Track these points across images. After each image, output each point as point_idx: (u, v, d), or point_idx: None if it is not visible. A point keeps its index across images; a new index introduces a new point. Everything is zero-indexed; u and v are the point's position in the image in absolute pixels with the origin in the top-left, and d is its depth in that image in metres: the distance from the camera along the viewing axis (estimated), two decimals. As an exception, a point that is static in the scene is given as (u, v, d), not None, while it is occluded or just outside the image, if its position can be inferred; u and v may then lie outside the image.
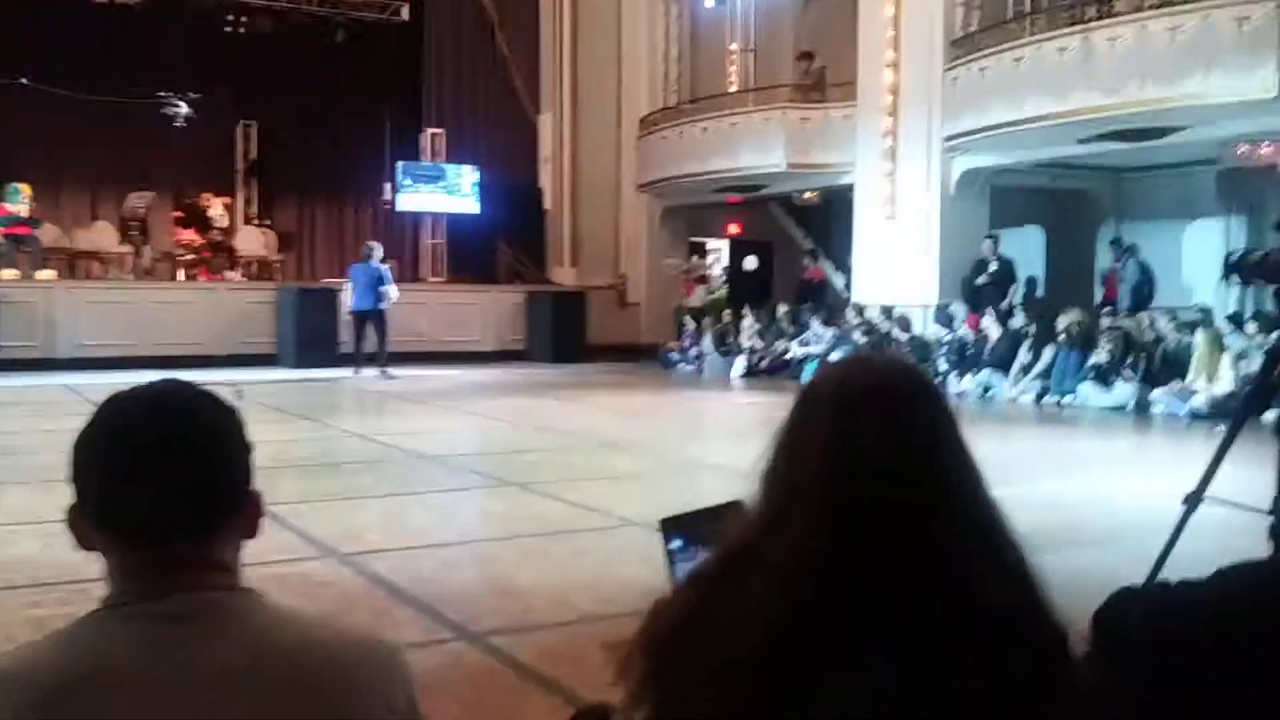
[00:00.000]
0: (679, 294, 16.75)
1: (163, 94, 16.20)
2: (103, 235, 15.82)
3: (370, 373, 12.65)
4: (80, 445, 1.18)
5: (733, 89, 16.93)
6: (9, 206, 14.08)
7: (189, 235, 16.67)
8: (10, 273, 13.75)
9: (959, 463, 1.11)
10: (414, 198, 17.54)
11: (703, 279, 17.23)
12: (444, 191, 17.63)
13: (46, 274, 14.06)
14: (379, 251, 13.20)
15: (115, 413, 1.20)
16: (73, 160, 16.75)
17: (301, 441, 7.77)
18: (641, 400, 10.94)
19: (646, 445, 7.64)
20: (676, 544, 1.45)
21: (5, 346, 12.90)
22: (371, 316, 12.92)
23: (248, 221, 17.91)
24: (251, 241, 17.14)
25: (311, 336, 14.17)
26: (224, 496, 1.18)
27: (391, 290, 12.99)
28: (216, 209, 17.10)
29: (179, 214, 16.89)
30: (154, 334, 13.83)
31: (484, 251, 18.34)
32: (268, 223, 17.90)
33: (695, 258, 17.29)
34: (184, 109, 16.31)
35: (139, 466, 1.14)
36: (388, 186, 17.78)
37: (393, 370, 12.72)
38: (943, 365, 11.63)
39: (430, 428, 8.76)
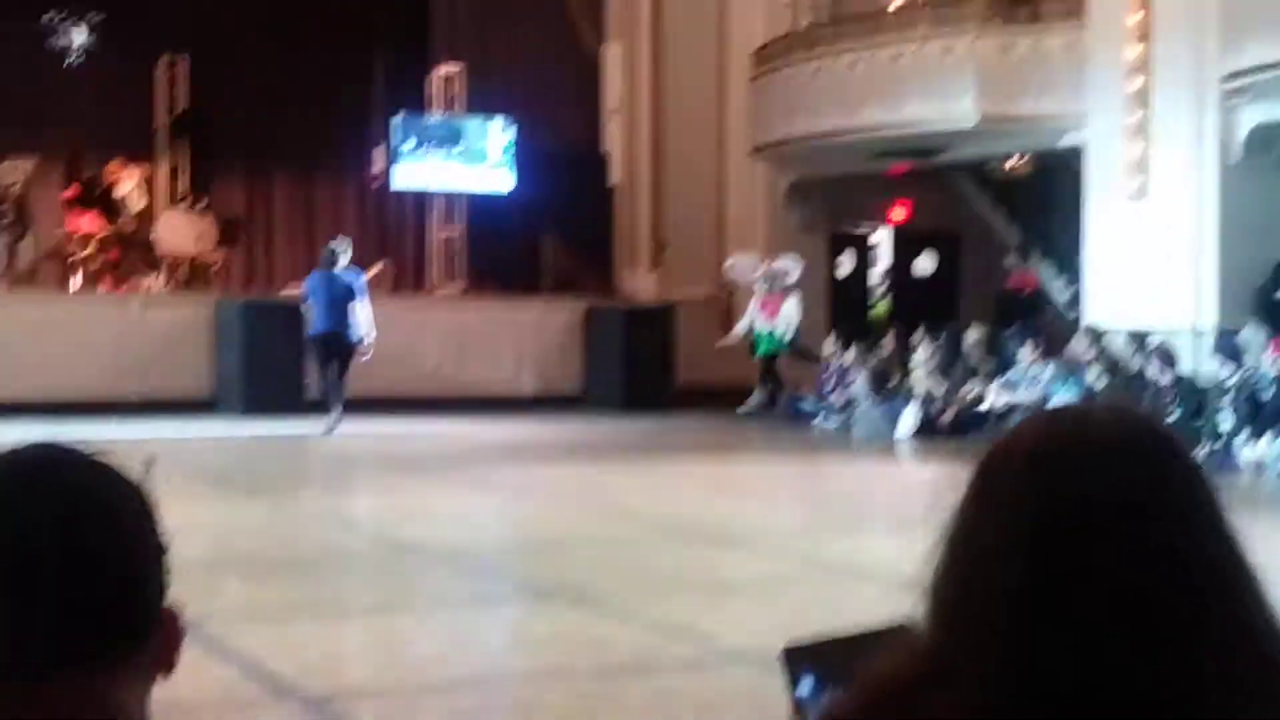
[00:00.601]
0: (763, 316, 15.98)
1: (49, 14, 16.45)
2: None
3: (327, 422, 12.84)
4: None
5: (895, 5, 17.09)
6: None
7: (87, 222, 17.00)
8: None
9: (1227, 575, 1.12)
10: (417, 169, 17.89)
11: (786, 291, 16.35)
12: (461, 159, 17.98)
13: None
14: (346, 254, 13.43)
15: None
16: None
17: (250, 529, 7.93)
18: (755, 471, 10.99)
19: (762, 539, 7.70)
20: (806, 687, 1.48)
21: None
22: (335, 344, 13.11)
23: (174, 203, 18.33)
24: (179, 233, 17.51)
25: (265, 373, 14.49)
26: (122, 615, 1.18)
27: (362, 312, 13.11)
28: (127, 184, 17.43)
29: (72, 192, 17.24)
30: (32, 370, 14.20)
31: (521, 248, 18.63)
32: (203, 204, 18.29)
33: (772, 261, 16.40)
34: (80, 36, 16.40)
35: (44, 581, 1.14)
36: (378, 153, 18.14)
37: (339, 422, 12.81)
38: (1226, 421, 11.61)
39: (437, 509, 8.88)
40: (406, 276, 18.75)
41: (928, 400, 14.32)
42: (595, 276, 18.52)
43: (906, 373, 14.97)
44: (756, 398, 15.92)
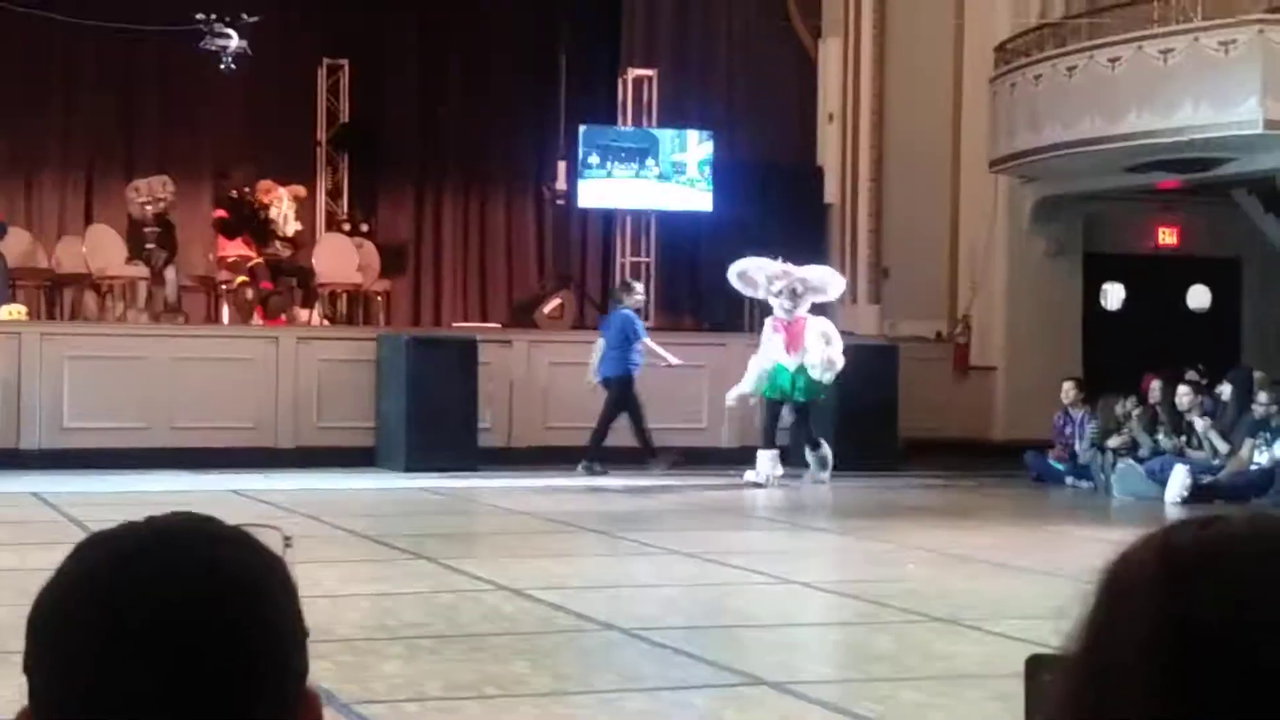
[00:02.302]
0: (780, 346, 14.46)
1: (199, 16, 16.78)
2: (101, 248, 16.97)
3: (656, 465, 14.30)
4: (39, 619, 1.25)
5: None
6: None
7: (237, 248, 17.46)
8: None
9: None
10: (603, 187, 18.18)
11: (810, 313, 14.96)
12: (653, 175, 18.21)
13: (12, 311, 15.21)
14: (638, 293, 15.64)
15: (90, 570, 1.26)
16: (53, 125, 18.20)
17: (411, 597, 8.07)
18: (993, 540, 10.82)
19: (1001, 619, 7.59)
20: None
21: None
22: (613, 385, 14.94)
23: (333, 226, 18.83)
24: (339, 259, 17.95)
25: (434, 419, 14.76)
26: (260, 696, 1.24)
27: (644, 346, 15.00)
28: (282, 205, 17.77)
29: (221, 213, 17.70)
30: (178, 411, 14.77)
31: (720, 277, 18.47)
32: (364, 229, 18.76)
33: (797, 270, 14.78)
34: (233, 41, 16.66)
35: (126, 655, 1.21)
36: (560, 168, 18.43)
37: (597, 466, 14.67)
38: None
39: (620, 578, 8.99)
40: (588, 311, 18.98)
41: (1201, 456, 14.00)
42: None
43: (1177, 423, 14.62)
44: (767, 466, 14.25)
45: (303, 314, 17.31)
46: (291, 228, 17.77)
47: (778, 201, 18.45)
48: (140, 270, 16.61)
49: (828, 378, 14.30)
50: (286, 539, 1.32)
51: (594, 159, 17.98)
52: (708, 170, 18.16)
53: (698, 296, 18.87)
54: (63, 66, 18.17)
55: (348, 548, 9.64)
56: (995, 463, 16.16)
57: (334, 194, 19.03)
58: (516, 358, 15.87)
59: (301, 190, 18.04)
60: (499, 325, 17.88)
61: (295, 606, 1.29)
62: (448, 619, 7.47)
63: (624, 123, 18.57)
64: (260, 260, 17.32)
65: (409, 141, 19.07)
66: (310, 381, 15.29)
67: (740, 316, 17.96)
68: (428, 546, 9.77)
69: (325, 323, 17.40)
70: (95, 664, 1.21)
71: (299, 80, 18.59)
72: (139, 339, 15.27)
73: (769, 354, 14.36)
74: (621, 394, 14.75)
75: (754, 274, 14.49)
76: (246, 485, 12.73)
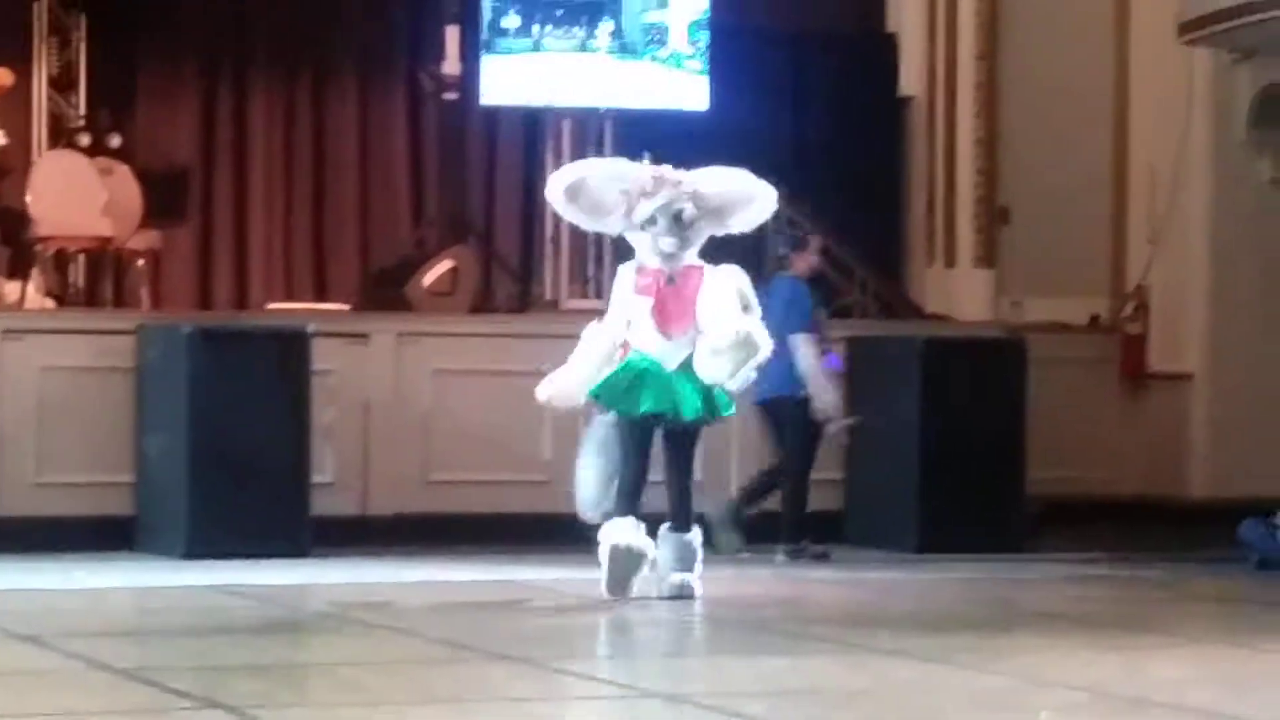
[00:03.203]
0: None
1: None
2: None
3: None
4: None
5: None
6: None
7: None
8: None
9: None
10: (524, 68, 18.03)
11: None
12: (610, 49, 18.20)
13: None
14: (812, 246, 15.75)
15: None
16: None
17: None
18: (1189, 669, 10.83)
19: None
20: None
21: None
22: (777, 410, 15.22)
23: (61, 139, 18.81)
24: (71, 195, 17.82)
25: (234, 469, 14.66)
26: None
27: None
28: None
29: None
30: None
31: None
32: (114, 145, 18.71)
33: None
34: None
35: None
36: (450, 38, 18.34)
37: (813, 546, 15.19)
38: None
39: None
40: (500, 281, 19.02)
41: None
42: (870, 275, 18.45)
43: None
44: (629, 549, 12.83)
45: (9, 288, 17.00)
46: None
47: (820, 94, 18.94)
48: None
49: (736, 381, 12.87)
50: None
51: (510, 21, 17.88)
52: (702, 41, 18.05)
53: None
54: None
55: (92, 694, 9.29)
56: (1191, 536, 16.31)
57: (61, 84, 18.95)
58: (377, 362, 15.85)
59: (5, 77, 17.90)
60: (346, 307, 18.02)
61: None
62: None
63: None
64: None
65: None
66: (23, 406, 15.05)
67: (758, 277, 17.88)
68: (227, 689, 9.41)
69: (49, 304, 17.17)
70: None
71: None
72: None
73: (631, 333, 12.92)
74: (802, 420, 14.92)
75: (597, 187, 12.93)
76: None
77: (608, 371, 12.72)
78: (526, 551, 14.88)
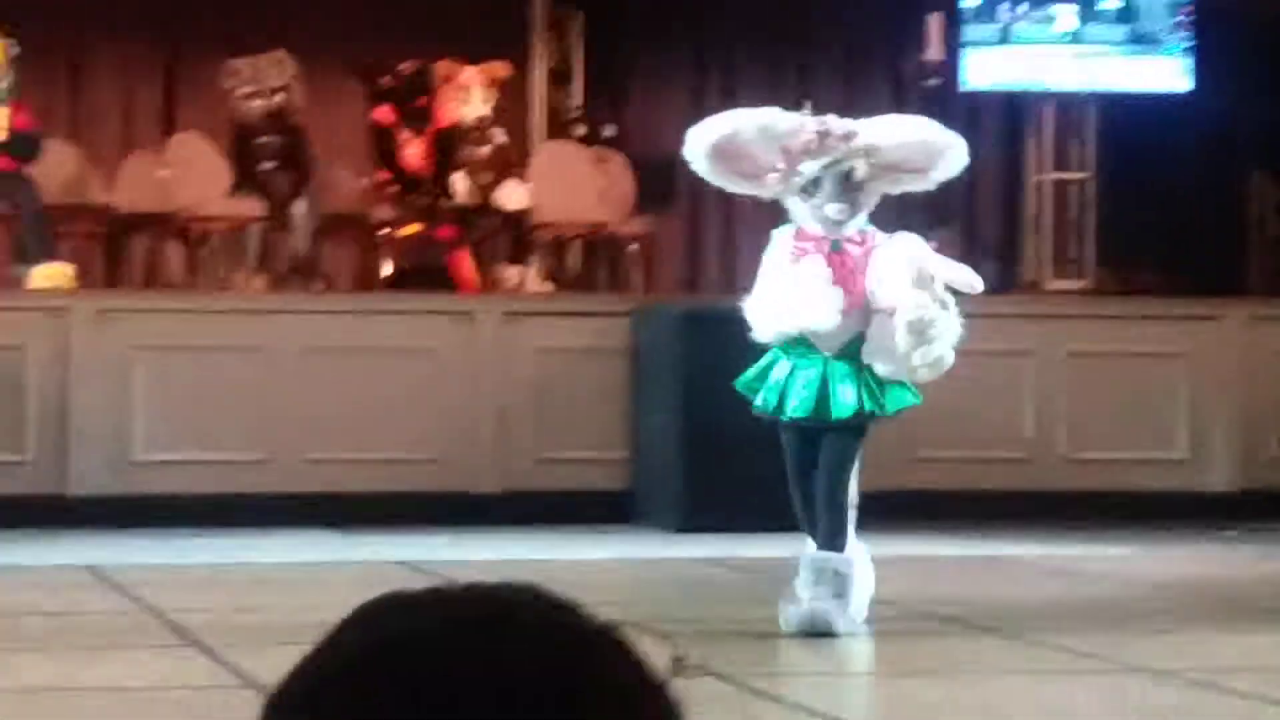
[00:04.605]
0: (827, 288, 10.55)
1: None
2: (189, 172, 17.26)
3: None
4: (276, 703, 1.55)
5: None
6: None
7: (417, 158, 17.67)
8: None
9: None
10: (1005, 57, 18.22)
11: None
12: (1089, 40, 18.20)
13: (51, 274, 15.64)
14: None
15: (345, 662, 1.55)
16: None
17: None
18: None
19: None
20: None
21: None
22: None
23: (558, 132, 19.13)
24: (568, 185, 18.13)
25: (724, 448, 14.62)
26: None
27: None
28: (474, 99, 17.73)
29: (388, 113, 17.88)
30: (313, 434, 15.03)
31: (1204, 206, 18.79)
32: (609, 135, 19.04)
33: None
34: None
35: None
36: (933, 28, 18.58)
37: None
38: None
39: (1044, 709, 9.07)
40: (981, 258, 18.67)
41: None
42: None
43: None
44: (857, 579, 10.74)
45: (510, 273, 17.38)
46: (491, 140, 17.82)
47: None
48: (252, 206, 16.86)
49: (924, 373, 10.71)
50: (678, 658, 1.69)
51: (990, 19, 18.08)
52: (1182, 23, 17.99)
53: (1166, 239, 18.62)
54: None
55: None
56: None
57: (559, 78, 19.27)
58: None
59: (502, 70, 17.96)
60: None
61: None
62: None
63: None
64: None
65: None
66: (523, 385, 15.33)
67: (1243, 268, 17.72)
68: (721, 655, 9.60)
69: (547, 287, 17.51)
70: None
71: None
72: (251, 317, 15.46)
73: (795, 305, 10.57)
74: None
75: (750, 142, 10.63)
76: (423, 555, 12.86)
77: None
78: (1003, 527, 14.73)
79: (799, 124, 10.45)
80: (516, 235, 17.50)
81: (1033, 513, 14.93)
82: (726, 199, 19.48)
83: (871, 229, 10.54)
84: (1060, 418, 15.72)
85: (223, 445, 14.61)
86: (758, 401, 10.75)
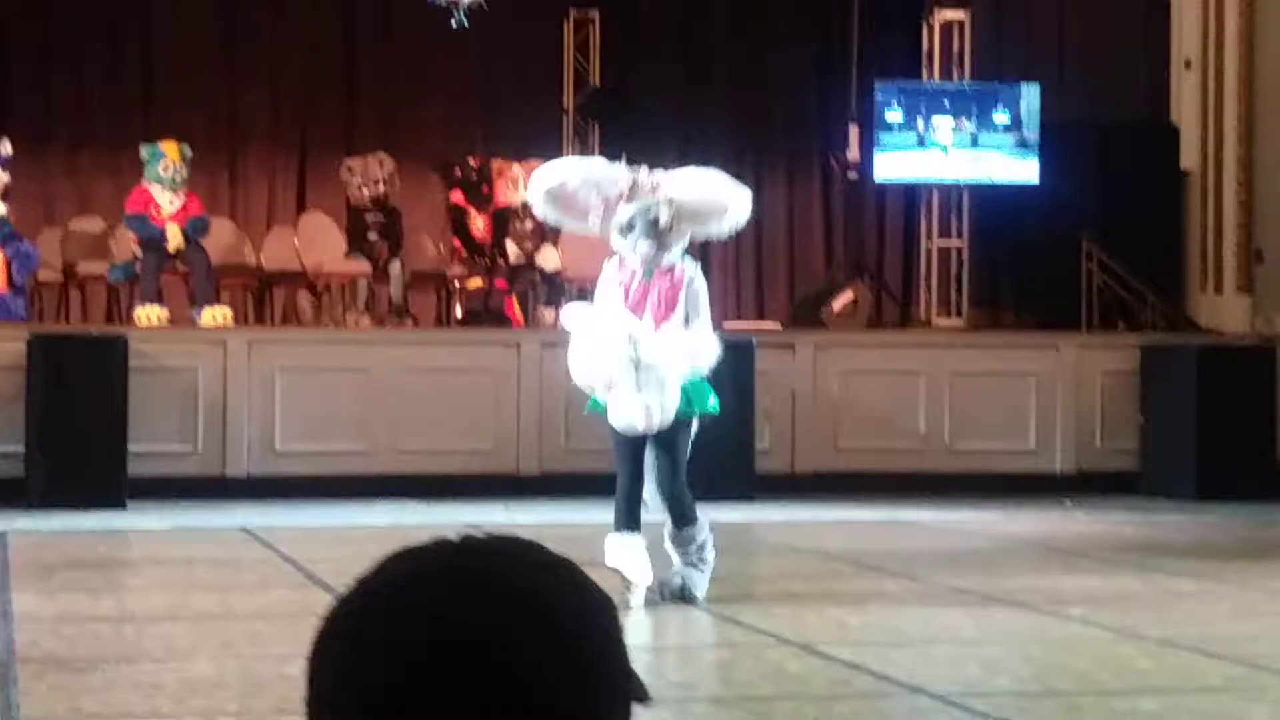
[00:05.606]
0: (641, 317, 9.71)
1: None
2: (316, 240, 17.32)
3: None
4: (327, 629, 1.41)
5: None
6: (153, 190, 15.57)
7: (481, 229, 17.63)
8: (152, 313, 15.35)
9: None
10: (906, 156, 18.05)
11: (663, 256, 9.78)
12: (965, 141, 18.13)
13: (215, 315, 15.56)
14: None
15: (385, 584, 1.41)
16: (259, 100, 18.80)
17: (677, 652, 8.19)
18: None
19: None
20: None
21: (139, 454, 14.25)
22: None
23: None
24: (589, 249, 17.13)
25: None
26: None
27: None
28: (520, 183, 17.18)
29: (457, 195, 17.84)
30: (407, 432, 15.05)
31: (1049, 263, 18.56)
32: None
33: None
34: None
35: (408, 682, 1.33)
36: (852, 134, 18.41)
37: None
38: None
39: (932, 633, 8.97)
40: (886, 306, 18.96)
41: None
42: (1157, 301, 18.16)
43: None
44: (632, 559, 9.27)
45: (547, 314, 17.44)
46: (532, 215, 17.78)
47: (1121, 170, 18.27)
48: (361, 265, 16.96)
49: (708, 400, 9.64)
50: (627, 583, 1.43)
51: (894, 119, 17.87)
52: (1034, 133, 17.95)
53: (1020, 288, 18.70)
54: (270, 30, 18.70)
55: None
56: None
57: None
58: (800, 365, 15.79)
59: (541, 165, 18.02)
60: (778, 325, 17.89)
61: (616, 659, 1.39)
62: (722, 678, 7.56)
63: (929, 76, 18.52)
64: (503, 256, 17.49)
65: (670, 107, 19.14)
66: (556, 395, 14.81)
67: (1076, 309, 17.67)
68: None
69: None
70: (373, 679, 1.35)
71: (541, 37, 18.90)
72: (360, 347, 15.63)
73: (596, 377, 9.51)
74: None
75: (576, 190, 9.67)
76: (483, 519, 12.92)
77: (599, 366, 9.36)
78: (907, 499, 14.50)
79: (616, 175, 9.62)
80: (551, 287, 17.54)
81: (926, 488, 14.95)
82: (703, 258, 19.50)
83: (682, 262, 9.56)
84: (945, 418, 15.76)
85: (339, 438, 14.78)
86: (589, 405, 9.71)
